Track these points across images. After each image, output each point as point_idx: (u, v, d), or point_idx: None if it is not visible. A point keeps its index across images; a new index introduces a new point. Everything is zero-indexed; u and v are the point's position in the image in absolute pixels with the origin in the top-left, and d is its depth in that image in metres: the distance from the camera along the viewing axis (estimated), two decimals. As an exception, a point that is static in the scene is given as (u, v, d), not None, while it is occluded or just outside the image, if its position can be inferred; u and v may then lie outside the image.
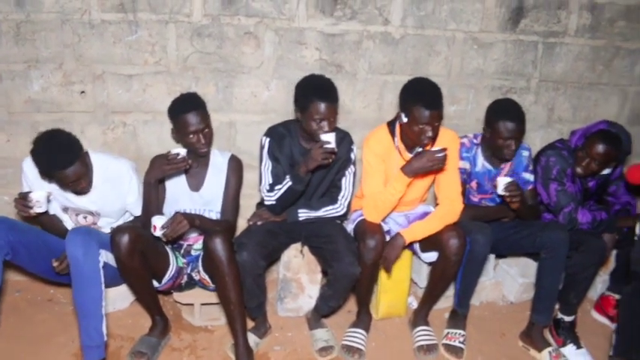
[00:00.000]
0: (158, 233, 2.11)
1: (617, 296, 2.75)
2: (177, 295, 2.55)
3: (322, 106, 2.23)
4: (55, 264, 2.21)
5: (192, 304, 2.56)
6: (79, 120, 2.57)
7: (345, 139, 2.44)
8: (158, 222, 2.11)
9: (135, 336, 2.41)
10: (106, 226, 2.43)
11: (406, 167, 2.28)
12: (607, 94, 3.12)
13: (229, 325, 2.26)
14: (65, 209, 2.35)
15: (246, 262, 2.20)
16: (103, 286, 2.06)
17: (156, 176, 2.23)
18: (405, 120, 2.31)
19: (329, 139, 2.19)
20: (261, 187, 2.41)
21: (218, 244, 2.14)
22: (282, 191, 2.33)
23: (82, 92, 2.52)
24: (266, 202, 2.39)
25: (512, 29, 2.87)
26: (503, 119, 2.43)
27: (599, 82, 3.08)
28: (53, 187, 2.26)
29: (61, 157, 2.08)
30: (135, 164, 2.40)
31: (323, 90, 2.26)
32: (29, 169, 2.27)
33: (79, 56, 2.47)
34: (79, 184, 2.18)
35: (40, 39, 2.42)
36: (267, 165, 2.40)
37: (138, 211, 2.38)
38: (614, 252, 2.80)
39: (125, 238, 2.09)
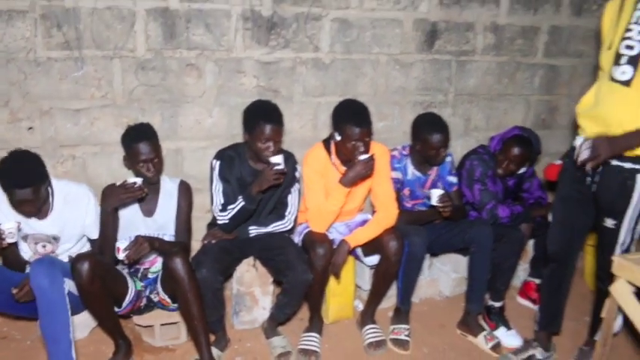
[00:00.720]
0: (121, 256, 2.22)
1: (537, 281, 3.10)
2: (136, 318, 2.63)
3: (268, 128, 2.43)
4: (14, 291, 2.25)
5: (152, 326, 2.65)
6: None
7: (290, 159, 2.64)
8: (122, 245, 2.22)
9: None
10: (63, 253, 2.49)
11: (343, 179, 2.52)
12: (513, 103, 3.51)
13: (193, 339, 2.38)
14: (25, 237, 2.40)
15: (206, 279, 2.35)
16: (70, 312, 2.14)
17: (113, 204, 2.34)
18: (338, 138, 2.56)
19: (279, 160, 2.39)
20: (213, 208, 2.56)
21: (178, 264, 2.27)
22: (235, 211, 2.49)
23: (30, 128, 2.59)
24: (219, 222, 2.55)
25: (428, 50, 3.20)
26: (432, 131, 2.73)
27: (506, 93, 3.47)
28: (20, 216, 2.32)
29: (21, 175, 2.17)
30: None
31: (268, 113, 2.47)
32: None
33: (25, 93, 2.54)
34: (28, 206, 2.24)
35: (-15, 78, 2.49)
36: (218, 186, 2.56)
37: (95, 234, 2.47)
38: (531, 242, 3.16)
39: (85, 265, 2.18)
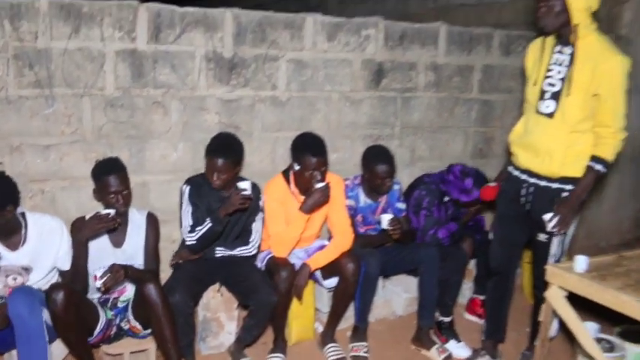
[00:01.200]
0: (98, 283, 2.33)
1: (482, 297, 3.37)
2: (105, 347, 2.69)
3: (230, 160, 2.67)
4: None
5: (121, 354, 2.73)
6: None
7: (255, 188, 2.83)
8: (98, 273, 2.33)
9: None
10: (32, 285, 2.56)
11: (303, 206, 2.75)
12: (453, 135, 3.85)
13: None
14: None
15: (178, 303, 2.48)
16: (47, 339, 2.22)
17: (87, 235, 2.45)
18: (297, 168, 2.79)
19: (246, 186, 2.58)
20: (182, 229, 2.73)
21: (152, 289, 2.40)
22: (202, 231, 2.66)
23: (0, 163, 2.67)
24: (187, 242, 2.71)
25: (375, 88, 3.50)
26: (378, 163, 3.00)
27: (447, 126, 3.81)
28: None
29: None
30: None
31: (219, 148, 2.73)
32: None
33: (-4, 130, 2.64)
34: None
35: (-44, 117, 2.57)
36: (188, 209, 2.72)
37: (67, 266, 2.55)
38: (473, 261, 3.44)
39: (61, 294, 2.27)
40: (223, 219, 2.65)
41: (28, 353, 2.16)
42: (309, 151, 2.76)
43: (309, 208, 2.74)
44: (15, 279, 2.52)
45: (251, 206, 2.78)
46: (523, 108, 2.65)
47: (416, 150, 3.75)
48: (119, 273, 2.39)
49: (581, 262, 2.30)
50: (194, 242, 2.69)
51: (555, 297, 2.32)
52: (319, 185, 2.72)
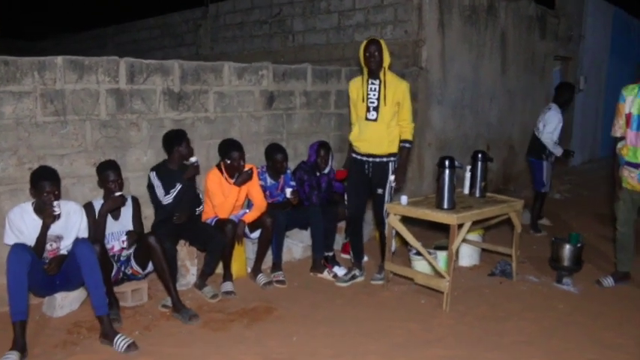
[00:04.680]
0: (125, 244, 3.75)
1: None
2: (116, 288, 4.01)
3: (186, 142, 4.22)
4: (46, 267, 3.55)
5: (124, 292, 4.06)
6: (28, 188, 3.90)
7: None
8: (123, 237, 3.76)
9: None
10: (64, 249, 3.80)
11: (236, 182, 4.37)
12: (320, 137, 5.65)
13: (165, 288, 3.87)
14: None
15: (169, 249, 3.93)
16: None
17: (108, 209, 3.82)
18: (228, 162, 4.38)
19: (194, 159, 4.15)
20: (159, 196, 4.13)
21: (153, 240, 3.81)
22: (176, 192, 4.11)
23: (30, 169, 3.87)
24: (164, 203, 4.13)
25: (269, 108, 5.20)
26: (277, 153, 4.73)
27: (316, 132, 5.64)
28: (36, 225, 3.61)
29: (49, 173, 3.54)
30: (83, 206, 3.89)
31: (182, 135, 4.25)
32: (15, 217, 3.57)
33: (28, 145, 3.86)
34: (50, 196, 3.46)
35: (1, 136, 3.75)
36: (158, 184, 4.15)
37: (86, 234, 3.81)
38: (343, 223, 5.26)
39: (98, 246, 3.62)
40: (187, 181, 4.17)
41: (92, 277, 3.45)
42: (234, 148, 4.38)
43: (240, 183, 4.37)
44: (52, 245, 3.76)
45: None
46: (351, 119, 4.49)
47: (297, 148, 5.51)
48: (133, 235, 3.82)
49: (404, 199, 4.22)
50: (170, 201, 4.13)
51: (393, 220, 4.20)
52: (245, 170, 4.36)
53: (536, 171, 6.27)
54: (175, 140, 4.21)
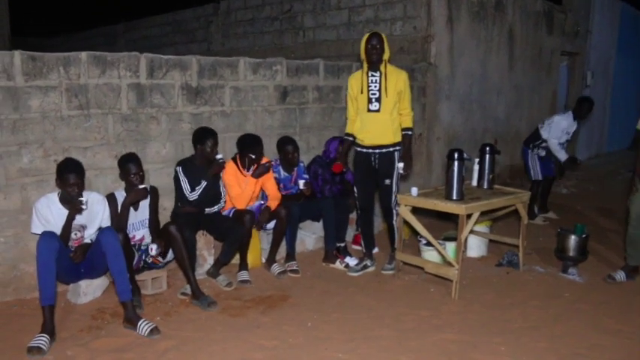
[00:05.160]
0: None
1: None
2: (137, 276, 4.17)
3: (211, 141, 4.35)
4: (72, 255, 3.71)
5: (145, 280, 4.23)
6: (53, 179, 4.06)
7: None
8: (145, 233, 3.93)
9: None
10: (88, 237, 3.96)
11: (254, 174, 4.51)
12: (332, 131, 5.78)
13: (184, 275, 4.04)
14: None
15: (188, 237, 4.09)
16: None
17: (132, 201, 3.97)
18: (252, 157, 4.52)
19: (220, 156, 4.29)
20: (184, 192, 4.28)
21: (174, 228, 3.97)
22: (201, 189, 4.28)
23: (55, 160, 4.03)
24: (190, 199, 4.29)
25: (283, 103, 5.34)
26: (287, 144, 4.87)
27: (328, 126, 5.78)
28: (62, 214, 3.77)
29: (73, 165, 3.67)
30: (105, 197, 4.05)
31: (209, 134, 4.38)
32: (42, 207, 3.73)
33: (54, 138, 4.02)
34: (75, 187, 3.58)
35: (29, 129, 3.91)
36: (184, 180, 4.31)
37: (108, 224, 3.97)
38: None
39: (121, 235, 3.78)
40: (211, 179, 4.32)
41: (116, 264, 3.61)
42: (250, 145, 4.53)
43: (258, 175, 4.52)
44: (76, 234, 3.92)
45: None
46: (348, 114, 4.59)
47: (310, 142, 5.65)
48: (162, 244, 4.05)
49: (414, 190, 4.36)
50: (196, 197, 4.29)
51: (404, 211, 4.34)
52: (262, 163, 4.50)
53: (524, 159, 6.72)
54: (199, 138, 4.37)
